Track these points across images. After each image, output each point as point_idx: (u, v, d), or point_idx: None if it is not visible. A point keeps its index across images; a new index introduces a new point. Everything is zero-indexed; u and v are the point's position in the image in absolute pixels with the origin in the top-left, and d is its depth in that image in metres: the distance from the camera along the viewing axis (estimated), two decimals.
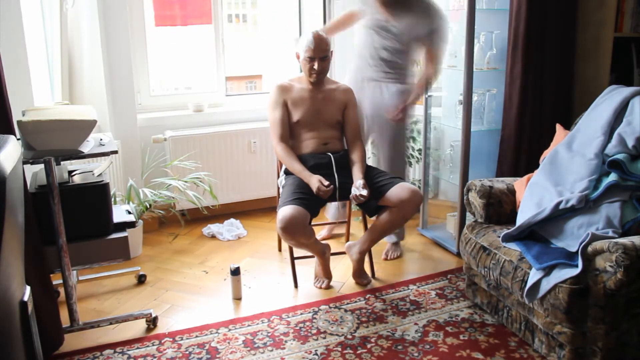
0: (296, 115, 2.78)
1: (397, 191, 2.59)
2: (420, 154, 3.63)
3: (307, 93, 2.81)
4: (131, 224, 2.36)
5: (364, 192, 2.53)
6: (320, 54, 2.71)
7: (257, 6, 4.49)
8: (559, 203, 2.12)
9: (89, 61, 3.23)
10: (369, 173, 2.73)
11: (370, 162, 3.15)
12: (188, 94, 3.82)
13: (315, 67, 2.72)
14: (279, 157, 2.81)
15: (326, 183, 2.56)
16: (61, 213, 2.12)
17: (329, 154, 2.76)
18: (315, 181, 2.57)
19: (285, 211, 2.46)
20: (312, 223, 2.68)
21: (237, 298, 2.66)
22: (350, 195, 2.59)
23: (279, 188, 2.91)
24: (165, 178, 3.30)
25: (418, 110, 3.63)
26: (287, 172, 2.79)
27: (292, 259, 2.83)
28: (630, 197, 2.08)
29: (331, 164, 2.72)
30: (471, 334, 2.33)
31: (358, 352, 2.21)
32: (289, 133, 2.82)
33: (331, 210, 3.42)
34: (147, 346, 2.27)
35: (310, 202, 2.55)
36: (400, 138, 3.10)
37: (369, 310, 2.53)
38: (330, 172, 2.70)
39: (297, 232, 2.48)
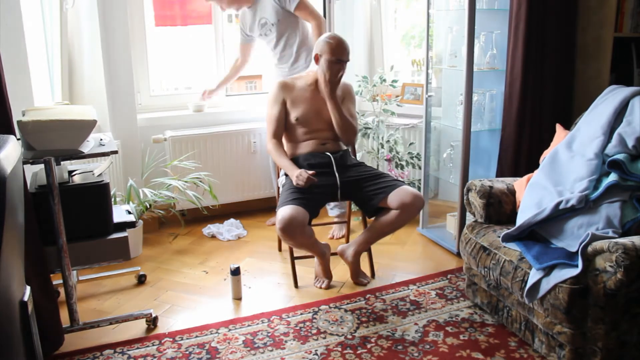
0: (295, 114, 2.78)
1: (399, 194, 2.58)
2: (412, 158, 3.63)
3: (309, 92, 2.81)
4: (131, 224, 2.36)
5: None
6: (347, 56, 2.73)
7: None
8: (559, 203, 2.12)
9: (89, 61, 3.23)
10: (371, 173, 2.72)
11: None
12: (188, 94, 3.81)
13: (342, 72, 2.74)
14: (269, 152, 2.85)
15: (311, 172, 2.59)
16: (61, 213, 2.12)
17: (328, 154, 2.76)
18: (297, 172, 2.59)
19: (285, 211, 2.46)
20: (312, 223, 2.67)
21: (237, 298, 2.66)
22: None
23: (278, 188, 2.91)
24: (165, 178, 3.30)
25: (415, 110, 3.66)
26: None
27: (292, 259, 2.83)
28: (630, 197, 2.08)
29: (331, 164, 2.72)
30: (471, 334, 2.33)
31: (358, 352, 2.21)
32: (289, 132, 2.82)
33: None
34: (147, 346, 2.27)
35: (310, 202, 2.55)
36: None
37: (369, 310, 2.53)
38: (330, 172, 2.70)
39: (296, 233, 2.47)
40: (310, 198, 2.57)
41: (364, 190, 2.66)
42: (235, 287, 2.66)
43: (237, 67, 3.64)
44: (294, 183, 2.59)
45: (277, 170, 3.03)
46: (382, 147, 3.69)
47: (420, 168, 3.66)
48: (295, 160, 2.77)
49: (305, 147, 2.80)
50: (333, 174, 2.69)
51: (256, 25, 3.39)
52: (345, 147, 2.89)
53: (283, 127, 2.81)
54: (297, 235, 2.50)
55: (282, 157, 2.74)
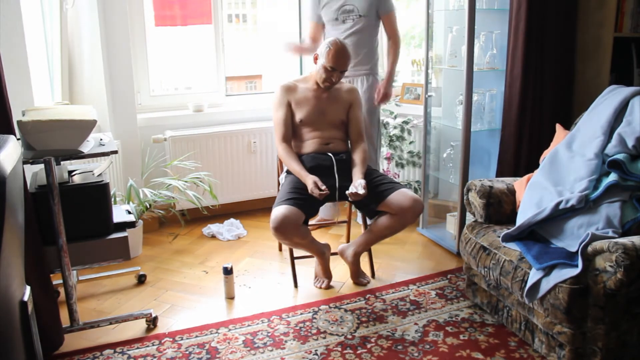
0: (300, 115, 2.78)
1: (398, 198, 2.57)
2: (412, 156, 3.63)
3: (312, 93, 2.80)
4: (131, 224, 2.36)
5: (361, 191, 2.50)
6: (342, 67, 2.71)
7: (257, 6, 4.49)
8: (558, 203, 2.12)
9: (89, 61, 3.23)
10: (370, 175, 2.71)
11: None
12: (188, 94, 3.82)
13: (334, 79, 2.72)
14: (280, 156, 2.81)
15: (323, 187, 2.51)
16: (61, 213, 2.12)
17: (330, 154, 2.76)
18: (310, 182, 2.55)
19: (278, 211, 2.46)
20: (310, 223, 2.66)
21: (230, 297, 2.66)
22: (347, 192, 2.55)
23: (279, 184, 2.90)
24: (165, 178, 3.30)
25: (415, 110, 3.66)
26: (289, 171, 2.78)
27: (292, 259, 2.83)
28: (630, 197, 2.08)
29: (332, 165, 2.72)
30: (471, 334, 2.33)
31: (358, 352, 2.21)
32: (293, 132, 2.82)
33: (327, 209, 3.49)
34: (147, 346, 2.27)
35: (306, 202, 2.54)
36: (372, 129, 3.28)
37: (369, 310, 2.53)
38: (331, 173, 2.69)
39: (289, 232, 2.47)
40: (306, 198, 2.55)
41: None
42: (228, 286, 2.66)
43: (307, 49, 3.29)
44: (309, 191, 2.56)
45: (278, 170, 3.03)
46: (384, 145, 3.69)
47: (420, 167, 3.66)
48: (300, 160, 2.77)
49: (308, 146, 2.79)
50: (333, 175, 2.68)
51: (336, 7, 3.14)
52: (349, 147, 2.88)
53: (291, 129, 2.79)
54: (290, 235, 2.49)
55: (294, 162, 2.68)
